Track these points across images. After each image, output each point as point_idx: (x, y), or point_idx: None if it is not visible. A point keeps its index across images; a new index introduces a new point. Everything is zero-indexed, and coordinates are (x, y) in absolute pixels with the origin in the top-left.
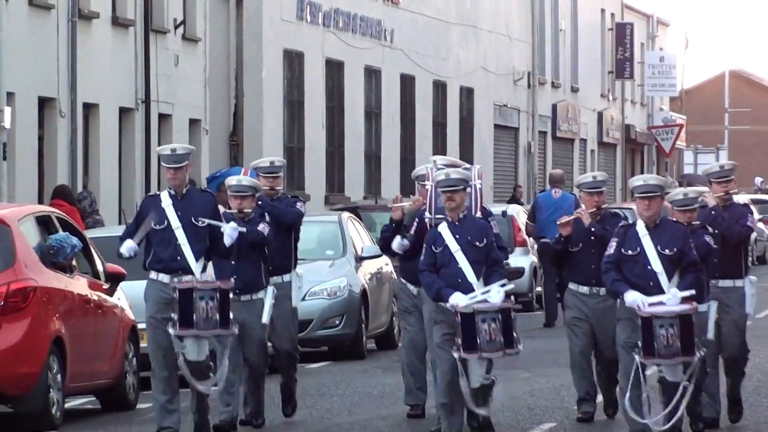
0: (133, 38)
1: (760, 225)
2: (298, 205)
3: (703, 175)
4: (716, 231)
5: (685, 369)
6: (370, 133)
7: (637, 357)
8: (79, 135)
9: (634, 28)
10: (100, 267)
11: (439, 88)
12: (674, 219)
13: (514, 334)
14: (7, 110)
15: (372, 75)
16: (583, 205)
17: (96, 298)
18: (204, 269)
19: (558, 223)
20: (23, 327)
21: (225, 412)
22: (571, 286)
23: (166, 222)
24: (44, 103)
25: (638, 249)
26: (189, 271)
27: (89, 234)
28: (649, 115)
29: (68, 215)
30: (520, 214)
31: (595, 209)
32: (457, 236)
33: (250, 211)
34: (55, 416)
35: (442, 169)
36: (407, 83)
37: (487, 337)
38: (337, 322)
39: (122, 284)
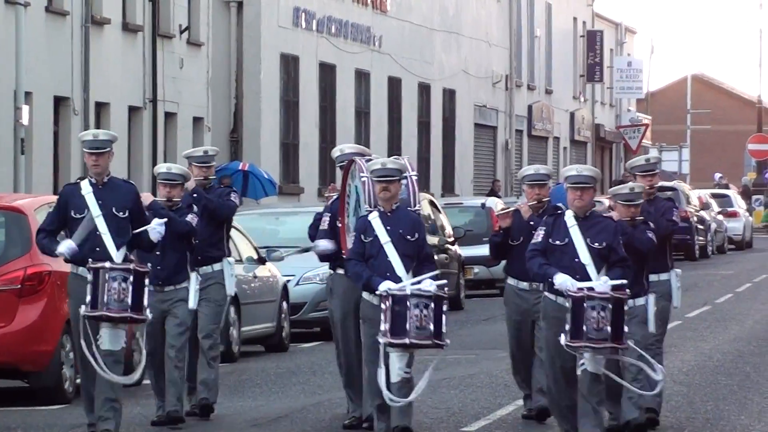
0: (142, 42)
1: (720, 217)
2: (233, 196)
3: (668, 172)
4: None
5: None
6: (360, 131)
7: (562, 339)
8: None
9: (604, 35)
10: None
11: (424, 89)
12: (611, 214)
13: (444, 328)
14: (25, 108)
15: (362, 77)
16: (525, 198)
17: None
18: (126, 259)
19: (496, 214)
20: (39, 308)
21: (162, 407)
22: (510, 281)
23: (86, 210)
24: (59, 102)
25: (566, 240)
26: (110, 260)
27: None
28: (618, 115)
29: None
30: (497, 205)
31: (536, 202)
32: (389, 227)
33: (178, 200)
34: (68, 391)
35: (370, 157)
36: (394, 85)
37: (417, 322)
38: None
39: None
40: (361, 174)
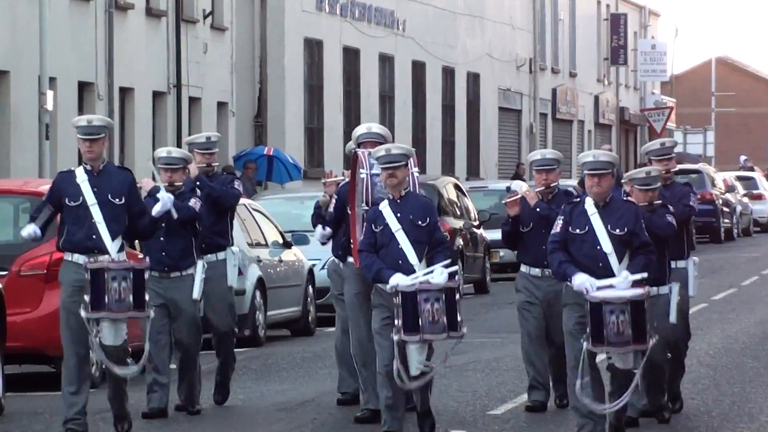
0: (165, 27)
1: (745, 200)
2: (236, 184)
3: (693, 154)
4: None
5: (635, 357)
6: (384, 115)
7: (585, 344)
8: (116, 116)
9: (628, 18)
10: None
11: (448, 73)
12: (631, 198)
13: (459, 316)
14: (50, 94)
15: (386, 62)
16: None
17: None
18: (121, 249)
19: (504, 203)
20: None
21: (153, 399)
22: (523, 268)
23: (81, 198)
24: (83, 87)
25: (587, 228)
26: (105, 251)
27: None
28: (642, 98)
29: None
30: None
31: (544, 188)
32: (399, 215)
33: (180, 184)
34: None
35: (360, 134)
36: (418, 69)
37: (429, 317)
38: None
39: None
40: (361, 170)
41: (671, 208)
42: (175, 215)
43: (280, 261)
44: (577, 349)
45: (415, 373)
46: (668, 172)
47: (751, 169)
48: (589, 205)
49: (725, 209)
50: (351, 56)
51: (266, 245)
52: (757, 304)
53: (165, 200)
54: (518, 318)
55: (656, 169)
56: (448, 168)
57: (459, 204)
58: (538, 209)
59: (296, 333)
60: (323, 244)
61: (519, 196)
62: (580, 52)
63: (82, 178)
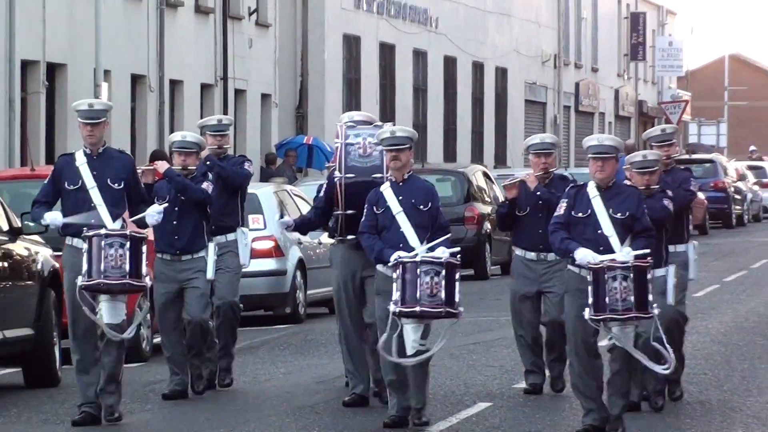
0: (213, 24)
1: (755, 188)
2: (246, 165)
3: (707, 145)
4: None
5: (637, 337)
6: (418, 107)
7: (587, 313)
8: (166, 107)
9: (646, 17)
10: None
11: (477, 68)
12: (631, 182)
13: (457, 296)
14: (105, 85)
15: (419, 57)
16: (531, 168)
17: None
18: (122, 229)
19: (503, 185)
20: None
21: (174, 382)
22: (518, 252)
23: (80, 182)
24: (136, 80)
25: (589, 211)
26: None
27: None
28: (659, 92)
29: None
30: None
31: (542, 172)
32: (401, 197)
33: (194, 168)
34: (145, 350)
35: (353, 126)
36: (450, 64)
37: (428, 290)
38: None
39: None
40: (336, 140)
41: (669, 193)
42: (152, 224)
43: (320, 243)
44: (580, 336)
45: (410, 352)
46: (669, 158)
47: (760, 159)
48: (592, 188)
49: (737, 196)
50: (387, 51)
51: None
52: (766, 285)
53: (153, 216)
54: (513, 303)
55: (654, 153)
56: (477, 157)
57: (487, 190)
58: (538, 192)
59: (334, 311)
60: (306, 228)
61: (519, 179)
62: (602, 49)
63: (81, 161)
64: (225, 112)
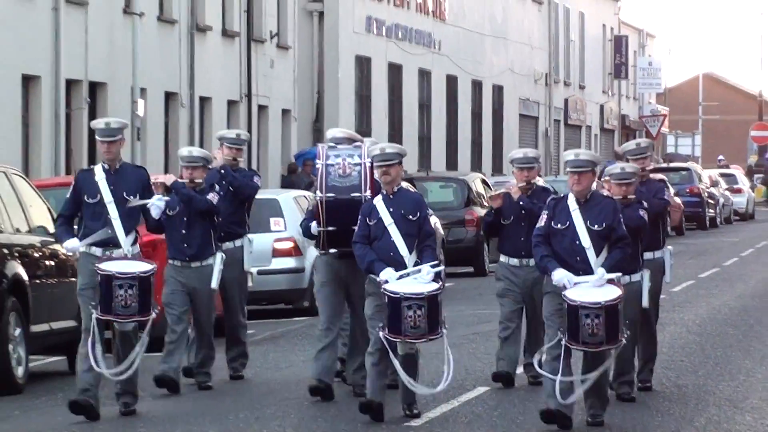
0: (238, 46)
1: (727, 193)
2: (255, 179)
3: (683, 155)
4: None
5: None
6: (423, 120)
7: (563, 338)
8: (196, 121)
9: (628, 40)
10: None
11: (476, 86)
12: (609, 192)
13: (440, 319)
14: (141, 102)
15: (424, 76)
16: (514, 180)
17: None
18: (135, 242)
19: (489, 196)
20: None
21: (165, 363)
22: (502, 258)
23: (98, 196)
24: (169, 97)
25: (568, 223)
26: (119, 245)
27: None
28: (640, 107)
29: None
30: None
31: (525, 184)
32: (391, 209)
33: (201, 181)
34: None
35: (333, 147)
36: (451, 82)
37: (411, 322)
38: None
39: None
40: (318, 161)
41: (645, 204)
42: (156, 215)
43: None
44: (553, 333)
45: (401, 353)
46: (644, 170)
47: (726, 167)
48: (571, 201)
49: (710, 201)
50: (395, 71)
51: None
52: (736, 281)
53: (156, 206)
54: (498, 302)
55: (632, 165)
56: (476, 165)
57: (485, 196)
58: (521, 203)
59: None
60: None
61: (503, 190)
62: (588, 68)
63: (100, 176)
64: (249, 126)
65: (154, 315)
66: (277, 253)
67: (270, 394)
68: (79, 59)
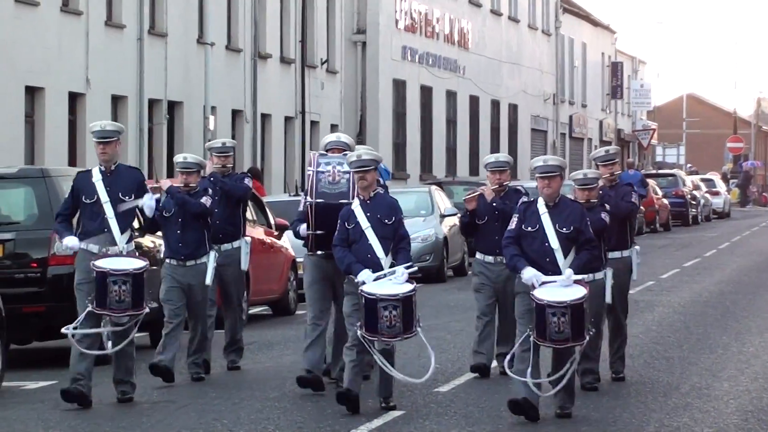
0: (294, 71)
1: (707, 195)
2: (246, 180)
3: (670, 163)
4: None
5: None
6: (449, 134)
7: (531, 336)
8: (258, 135)
9: (623, 65)
10: (272, 220)
11: (495, 105)
12: (574, 197)
13: (414, 318)
14: (211, 118)
15: (450, 96)
16: (488, 183)
17: (269, 240)
18: (130, 240)
19: (464, 199)
20: None
21: (161, 354)
22: (478, 255)
23: (95, 196)
24: (235, 114)
25: (537, 226)
26: (115, 243)
27: (265, 200)
28: (633, 122)
29: (256, 189)
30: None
31: (498, 186)
32: (368, 214)
33: (195, 185)
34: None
35: (324, 155)
36: (474, 102)
37: (387, 322)
38: (427, 257)
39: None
40: (309, 168)
41: (608, 207)
42: (150, 213)
43: None
44: (523, 331)
45: (378, 348)
46: (612, 175)
47: (696, 173)
48: (541, 204)
49: (693, 202)
50: (426, 92)
51: None
52: (715, 270)
53: (148, 204)
54: (474, 297)
55: (594, 171)
56: None
57: None
58: (494, 204)
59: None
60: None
61: (477, 193)
62: (589, 89)
63: (97, 177)
64: (303, 140)
65: (147, 309)
66: None
67: (265, 382)
68: (160, 82)
